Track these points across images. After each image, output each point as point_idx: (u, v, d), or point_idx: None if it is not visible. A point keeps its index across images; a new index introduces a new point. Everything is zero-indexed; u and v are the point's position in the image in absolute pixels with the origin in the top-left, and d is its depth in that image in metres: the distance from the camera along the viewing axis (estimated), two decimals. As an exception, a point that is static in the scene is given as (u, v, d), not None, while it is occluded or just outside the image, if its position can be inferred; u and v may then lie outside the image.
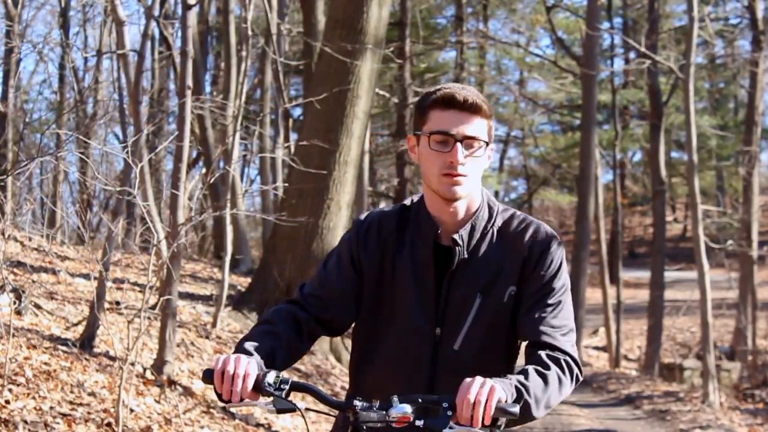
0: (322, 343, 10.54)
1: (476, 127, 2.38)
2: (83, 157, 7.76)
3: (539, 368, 2.28)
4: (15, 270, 8.63)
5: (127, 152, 6.41)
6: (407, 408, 2.12)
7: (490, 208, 2.51)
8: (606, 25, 24.61)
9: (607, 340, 20.65)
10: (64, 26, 17.93)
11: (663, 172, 18.54)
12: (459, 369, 2.36)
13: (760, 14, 17.17)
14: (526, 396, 2.19)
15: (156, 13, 8.53)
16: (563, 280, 2.45)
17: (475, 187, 2.44)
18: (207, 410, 6.83)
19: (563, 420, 10.90)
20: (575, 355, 2.39)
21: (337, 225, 10.70)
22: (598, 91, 20.06)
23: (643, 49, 15.73)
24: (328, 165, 10.53)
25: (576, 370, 2.36)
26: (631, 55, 25.96)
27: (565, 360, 2.34)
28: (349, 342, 11.97)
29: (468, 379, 2.10)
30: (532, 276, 2.43)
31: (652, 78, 18.78)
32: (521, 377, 2.22)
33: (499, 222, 2.50)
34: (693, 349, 18.89)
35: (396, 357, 2.46)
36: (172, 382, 6.93)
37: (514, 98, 32.56)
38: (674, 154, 32.91)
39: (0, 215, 6.41)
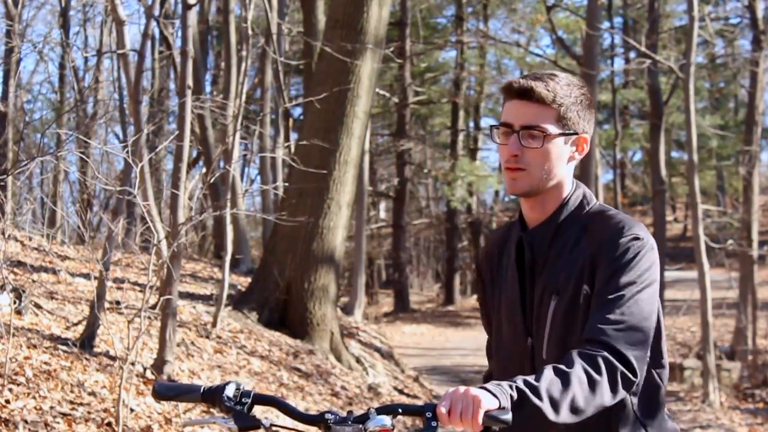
0: (322, 342, 10.54)
1: (536, 115, 2.20)
2: (83, 156, 7.77)
3: (560, 366, 2.02)
4: (15, 270, 8.64)
5: (127, 152, 6.41)
6: (386, 420, 1.94)
7: (582, 204, 2.30)
8: (606, 24, 24.63)
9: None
10: (65, 26, 17.94)
11: (663, 171, 18.54)
12: None
13: (760, 14, 17.16)
14: (532, 398, 1.94)
15: (156, 12, 8.52)
16: (634, 275, 2.15)
17: (545, 179, 2.24)
18: (207, 410, 6.82)
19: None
20: (628, 353, 2.07)
21: (337, 225, 10.70)
22: (598, 91, 20.06)
23: (643, 49, 15.73)
24: (328, 165, 10.53)
25: (621, 369, 2.05)
26: (631, 54, 25.95)
27: (604, 357, 2.04)
28: (349, 341, 11.97)
29: (451, 389, 1.92)
30: (599, 272, 2.18)
31: (652, 78, 18.78)
32: (530, 378, 1.99)
33: (587, 218, 2.27)
34: (693, 349, 18.87)
35: (505, 367, 2.37)
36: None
37: (515, 98, 32.51)
38: (674, 154, 32.92)
39: (0, 215, 6.41)
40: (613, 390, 2.03)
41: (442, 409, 1.87)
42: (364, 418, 1.95)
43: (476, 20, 29.85)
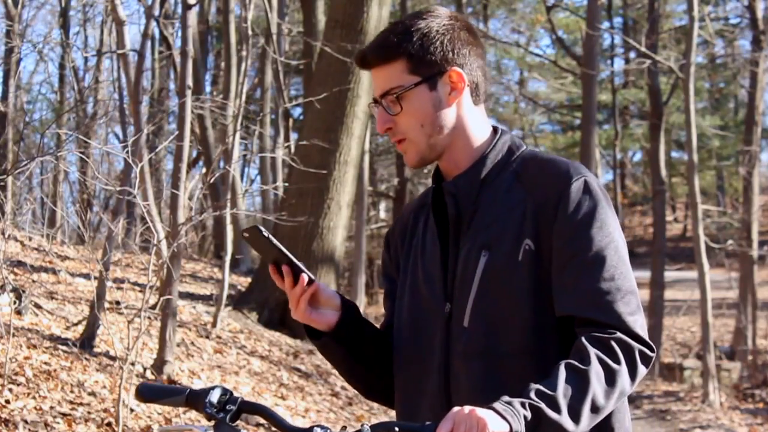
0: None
1: (387, 77, 1.93)
2: (83, 156, 7.77)
3: (574, 362, 1.74)
4: (15, 270, 8.64)
5: (127, 152, 6.41)
6: None
7: (510, 150, 2.01)
8: (606, 24, 24.64)
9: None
10: (64, 26, 17.94)
11: (663, 171, 18.54)
12: (469, 353, 1.90)
13: (760, 14, 17.16)
14: (550, 414, 1.67)
15: (156, 12, 8.53)
16: (605, 230, 1.85)
17: (434, 136, 1.95)
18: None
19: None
20: (636, 327, 1.80)
21: (337, 225, 10.71)
22: (598, 91, 20.05)
23: (643, 49, 15.72)
24: (328, 165, 10.53)
25: (639, 348, 1.79)
26: (631, 54, 25.94)
27: (617, 339, 1.77)
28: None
29: (455, 409, 1.65)
30: (556, 227, 1.86)
31: (652, 78, 18.77)
32: (544, 386, 1.70)
33: (519, 164, 1.98)
34: (693, 349, 18.88)
35: (407, 347, 2.02)
36: (172, 382, 6.92)
37: (514, 98, 32.57)
38: (674, 154, 32.91)
39: (0, 215, 6.41)
40: (633, 375, 1.78)
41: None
42: None
43: (476, 20, 29.85)
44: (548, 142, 34.47)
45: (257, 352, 9.32)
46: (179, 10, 12.23)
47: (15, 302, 6.82)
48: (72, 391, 5.92)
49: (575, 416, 1.70)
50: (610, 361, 1.75)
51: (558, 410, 1.68)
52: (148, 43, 9.74)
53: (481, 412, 1.63)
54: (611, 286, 1.82)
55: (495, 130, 2.04)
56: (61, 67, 18.45)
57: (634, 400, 13.31)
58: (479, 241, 1.92)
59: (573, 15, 26.13)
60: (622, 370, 1.76)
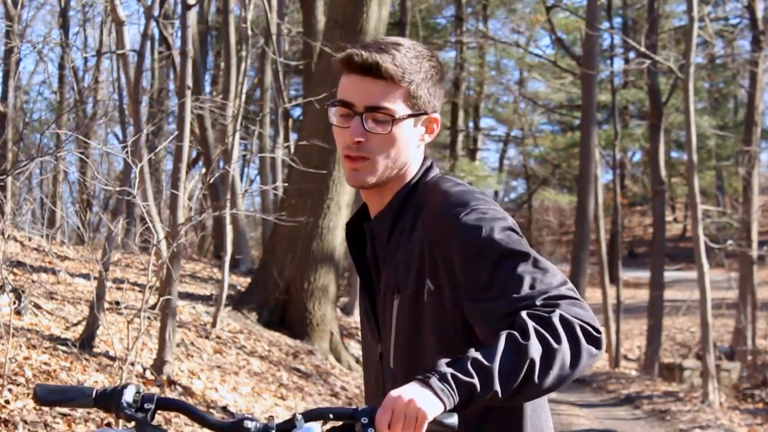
0: (322, 342, 10.54)
1: (382, 94, 1.86)
2: (83, 157, 7.76)
3: (515, 336, 1.65)
4: (15, 270, 8.64)
5: (126, 152, 6.41)
6: (315, 427, 1.68)
7: (417, 184, 1.95)
8: (606, 25, 24.63)
9: (606, 340, 20.64)
10: (64, 26, 17.93)
11: (663, 171, 18.54)
12: None
13: (759, 14, 17.17)
14: (481, 391, 1.62)
15: (156, 13, 8.53)
16: (498, 239, 1.77)
17: (391, 168, 1.90)
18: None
19: (563, 420, 10.90)
20: (569, 293, 1.74)
21: (336, 225, 10.70)
22: (597, 91, 20.06)
23: (642, 49, 15.72)
24: (327, 165, 10.53)
25: (580, 324, 1.68)
26: (631, 55, 25.95)
27: (559, 317, 1.68)
28: (348, 342, 11.97)
29: (393, 394, 1.62)
30: (454, 262, 1.79)
31: (652, 78, 18.78)
32: (480, 358, 1.63)
33: (421, 198, 1.92)
34: (693, 349, 18.90)
35: (366, 378, 2.10)
36: (171, 382, 6.93)
37: (514, 98, 32.60)
38: (674, 154, 32.93)
39: (0, 215, 6.40)
40: (576, 353, 1.66)
41: (383, 423, 1.61)
42: (288, 426, 1.68)
43: (476, 20, 29.88)
44: (548, 142, 34.50)
45: (257, 353, 9.32)
46: (179, 10, 12.23)
47: (15, 302, 6.82)
48: (72, 392, 5.91)
49: (507, 391, 1.63)
50: (550, 339, 1.65)
51: (491, 385, 1.62)
52: (148, 44, 9.75)
53: (420, 399, 1.59)
54: (541, 288, 1.73)
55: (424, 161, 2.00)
56: (61, 67, 18.45)
57: (633, 400, 13.32)
58: (390, 283, 1.91)
59: (573, 15, 26.14)
60: (563, 348, 1.65)
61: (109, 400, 1.77)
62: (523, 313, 1.68)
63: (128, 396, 1.75)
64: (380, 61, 1.84)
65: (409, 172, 1.95)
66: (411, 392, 1.61)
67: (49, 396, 1.80)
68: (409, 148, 1.92)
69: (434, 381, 1.62)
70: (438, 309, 1.83)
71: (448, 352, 1.74)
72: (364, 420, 1.65)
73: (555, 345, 1.65)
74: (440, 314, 1.83)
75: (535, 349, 1.63)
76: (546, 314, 1.68)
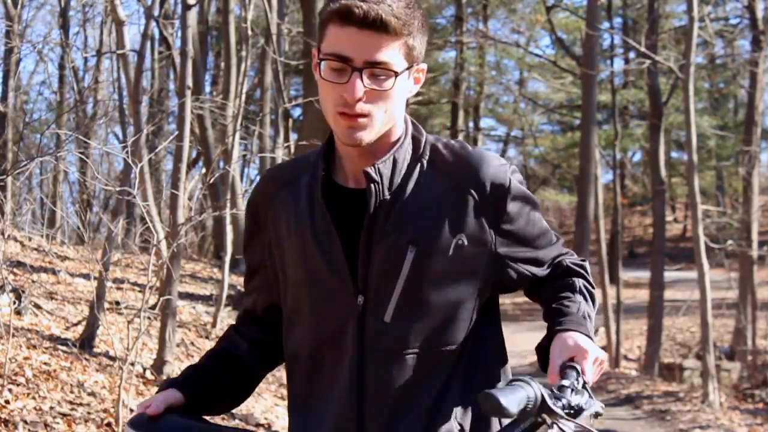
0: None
1: (384, 50, 1.77)
2: (83, 157, 7.76)
3: (586, 290, 2.01)
4: (15, 270, 8.64)
5: (127, 152, 6.42)
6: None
7: (416, 138, 1.93)
8: (606, 25, 24.62)
9: (606, 340, 20.67)
10: (64, 26, 17.94)
11: (663, 172, 18.54)
12: (389, 349, 1.83)
13: (760, 14, 17.17)
14: (591, 331, 1.95)
15: (156, 13, 8.53)
16: (537, 210, 1.99)
17: (386, 123, 1.85)
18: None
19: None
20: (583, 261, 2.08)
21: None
22: (598, 91, 20.06)
23: (643, 49, 15.72)
24: (327, 165, 10.52)
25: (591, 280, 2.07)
26: (631, 55, 25.96)
27: (585, 271, 2.06)
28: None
29: (581, 344, 1.83)
30: (510, 234, 1.90)
31: (652, 78, 18.78)
32: (587, 313, 1.96)
33: (429, 152, 1.91)
34: (693, 349, 18.90)
35: (308, 336, 1.93)
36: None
37: (514, 98, 32.60)
38: (674, 154, 32.93)
39: (0, 215, 6.40)
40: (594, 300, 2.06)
41: (589, 365, 1.83)
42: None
43: (476, 20, 29.88)
44: (548, 142, 34.50)
45: (257, 353, 9.31)
46: (179, 10, 12.24)
47: (15, 302, 6.82)
48: (72, 392, 5.93)
49: (591, 331, 1.93)
50: (591, 287, 2.03)
51: (592, 330, 1.93)
52: (148, 44, 9.75)
53: (593, 349, 1.84)
54: (562, 249, 2.07)
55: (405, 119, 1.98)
56: (61, 67, 18.45)
57: (633, 400, 13.31)
58: (405, 235, 1.84)
59: (573, 15, 26.15)
60: (595, 296, 2.03)
61: None
62: (568, 261, 2.03)
63: None
64: (383, 14, 1.75)
65: (398, 126, 1.91)
66: (588, 341, 1.86)
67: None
68: (402, 102, 1.87)
69: (586, 335, 1.88)
70: (459, 262, 1.85)
71: (459, 306, 1.87)
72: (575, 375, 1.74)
73: (593, 290, 2.04)
74: (462, 267, 1.86)
75: (594, 297, 2.01)
76: (581, 261, 2.05)
